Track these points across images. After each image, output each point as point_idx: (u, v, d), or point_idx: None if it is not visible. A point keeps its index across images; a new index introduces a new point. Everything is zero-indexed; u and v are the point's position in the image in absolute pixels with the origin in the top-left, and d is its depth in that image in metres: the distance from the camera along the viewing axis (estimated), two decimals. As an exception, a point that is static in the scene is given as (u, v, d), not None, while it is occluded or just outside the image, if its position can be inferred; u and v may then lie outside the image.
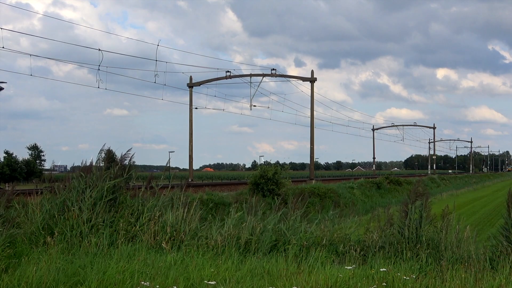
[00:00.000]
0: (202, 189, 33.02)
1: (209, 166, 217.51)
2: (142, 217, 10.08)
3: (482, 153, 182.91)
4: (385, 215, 9.92)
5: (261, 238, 9.57)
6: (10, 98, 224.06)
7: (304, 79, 47.70)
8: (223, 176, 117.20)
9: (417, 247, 9.00)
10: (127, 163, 11.19)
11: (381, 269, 7.92)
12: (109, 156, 11.29)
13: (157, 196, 10.90)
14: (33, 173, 79.06)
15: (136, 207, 10.35)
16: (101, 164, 10.91)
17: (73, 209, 9.98)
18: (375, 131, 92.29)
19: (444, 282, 7.53)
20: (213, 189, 32.72)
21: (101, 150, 11.20)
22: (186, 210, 10.25)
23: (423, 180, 63.09)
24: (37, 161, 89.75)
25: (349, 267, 8.07)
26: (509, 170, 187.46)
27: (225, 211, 10.57)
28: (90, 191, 10.22)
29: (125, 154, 11.34)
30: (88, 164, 10.92)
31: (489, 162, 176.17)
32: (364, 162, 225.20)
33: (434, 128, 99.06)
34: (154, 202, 10.57)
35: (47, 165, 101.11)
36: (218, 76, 47.52)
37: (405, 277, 7.51)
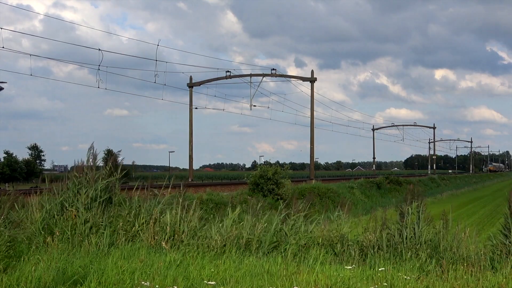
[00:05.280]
0: (202, 189, 33.03)
1: (209, 166, 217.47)
2: (140, 217, 10.07)
3: (482, 153, 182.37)
4: (383, 215, 9.92)
5: (261, 238, 9.56)
6: (12, 98, 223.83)
7: (304, 79, 47.68)
8: (223, 176, 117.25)
9: (417, 247, 9.00)
10: (119, 162, 11.17)
11: (381, 269, 7.91)
12: (110, 156, 11.26)
13: (157, 196, 10.90)
14: (33, 173, 79.09)
15: (134, 207, 10.34)
16: (91, 164, 10.81)
17: (71, 210, 9.98)
18: (375, 131, 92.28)
19: (445, 282, 7.52)
20: (213, 189, 32.71)
21: (89, 149, 11.03)
22: (185, 210, 10.25)
23: (423, 180, 63.17)
24: (37, 161, 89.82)
25: (348, 267, 8.06)
26: (490, 170, 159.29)
27: (225, 211, 10.56)
28: (85, 191, 10.21)
29: (116, 153, 11.34)
30: (80, 164, 10.84)
31: (489, 162, 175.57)
32: (364, 162, 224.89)
33: (434, 128, 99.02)
34: (153, 202, 10.57)
35: (47, 165, 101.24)
36: (218, 76, 47.52)
37: (405, 277, 7.50)
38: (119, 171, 10.93)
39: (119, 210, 10.34)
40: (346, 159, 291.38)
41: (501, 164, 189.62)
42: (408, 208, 9.50)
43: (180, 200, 10.46)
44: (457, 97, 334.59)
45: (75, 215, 9.85)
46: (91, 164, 10.75)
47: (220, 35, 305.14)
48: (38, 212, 10.14)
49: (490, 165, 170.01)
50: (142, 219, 10.03)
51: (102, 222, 9.87)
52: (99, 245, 9.24)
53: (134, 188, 11.25)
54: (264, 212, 10.60)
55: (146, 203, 10.48)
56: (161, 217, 10.07)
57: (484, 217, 30.44)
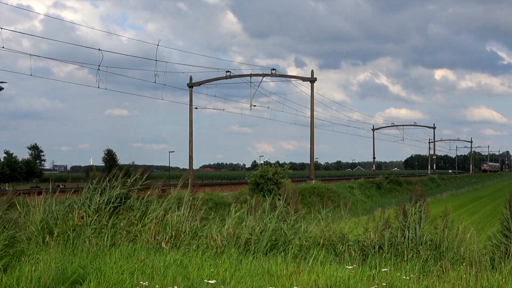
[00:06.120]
0: (202, 189, 32.99)
1: (209, 166, 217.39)
2: (145, 218, 10.08)
3: (482, 153, 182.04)
4: (382, 215, 9.90)
5: (260, 238, 9.55)
6: (12, 99, 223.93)
7: (304, 79, 47.66)
8: (223, 176, 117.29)
9: (418, 247, 8.98)
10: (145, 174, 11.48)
11: (382, 269, 7.90)
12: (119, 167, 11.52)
13: (163, 197, 10.95)
14: (33, 173, 79.19)
15: (139, 208, 10.37)
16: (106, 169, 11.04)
17: (79, 212, 10.03)
18: (375, 131, 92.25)
19: (445, 282, 7.51)
20: (213, 189, 32.73)
21: (115, 166, 11.45)
22: (188, 210, 10.25)
23: (423, 180, 63.17)
24: (37, 161, 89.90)
25: (349, 267, 8.05)
26: (485, 170, 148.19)
27: (225, 211, 10.55)
28: (99, 197, 10.34)
29: (145, 169, 11.64)
30: (91, 164, 11.10)
31: (484, 162, 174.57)
32: (364, 162, 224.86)
33: (434, 128, 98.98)
34: (160, 203, 10.59)
35: (47, 165, 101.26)
36: (218, 76, 47.50)
37: (405, 277, 7.49)
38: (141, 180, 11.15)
39: (126, 212, 10.38)
40: (346, 159, 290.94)
41: (497, 164, 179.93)
42: (411, 208, 9.48)
43: (185, 200, 10.51)
44: (457, 97, 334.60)
45: (81, 217, 9.88)
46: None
47: (220, 35, 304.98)
48: (39, 212, 10.14)
49: (485, 165, 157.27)
50: (147, 219, 10.04)
51: (106, 223, 9.89)
52: (100, 245, 9.24)
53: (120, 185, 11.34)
54: (265, 213, 10.56)
55: (151, 204, 10.53)
56: (165, 217, 10.07)
57: (484, 217, 30.44)
